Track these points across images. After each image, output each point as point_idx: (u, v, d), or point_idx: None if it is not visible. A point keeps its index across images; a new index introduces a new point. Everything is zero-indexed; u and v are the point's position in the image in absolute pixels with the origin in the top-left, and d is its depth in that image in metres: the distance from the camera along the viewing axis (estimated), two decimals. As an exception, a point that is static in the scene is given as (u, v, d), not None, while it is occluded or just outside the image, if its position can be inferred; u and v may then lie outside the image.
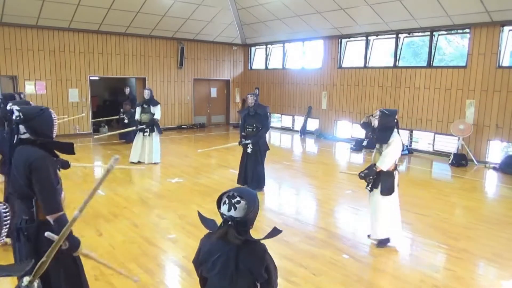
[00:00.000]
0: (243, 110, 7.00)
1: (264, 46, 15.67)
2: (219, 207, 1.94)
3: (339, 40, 12.62)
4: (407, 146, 10.82)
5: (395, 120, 4.41)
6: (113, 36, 13.03)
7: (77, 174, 7.80)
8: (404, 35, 11.20)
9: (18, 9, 10.56)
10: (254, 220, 1.96)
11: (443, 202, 6.37)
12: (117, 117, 11.72)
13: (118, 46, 13.19)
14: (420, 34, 11.09)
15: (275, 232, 1.96)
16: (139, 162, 8.62)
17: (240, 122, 7.00)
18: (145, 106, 8.60)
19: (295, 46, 14.52)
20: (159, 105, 8.72)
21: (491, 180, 8.31)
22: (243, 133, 6.71)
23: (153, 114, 8.56)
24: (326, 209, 6.02)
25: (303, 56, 14.28)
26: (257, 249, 1.98)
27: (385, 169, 4.34)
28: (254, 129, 6.56)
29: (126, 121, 11.24)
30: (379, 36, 11.77)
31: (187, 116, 15.14)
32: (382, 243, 4.53)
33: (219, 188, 6.81)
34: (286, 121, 15.23)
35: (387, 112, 4.41)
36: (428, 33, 10.43)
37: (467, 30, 9.77)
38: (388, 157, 4.32)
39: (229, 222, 1.89)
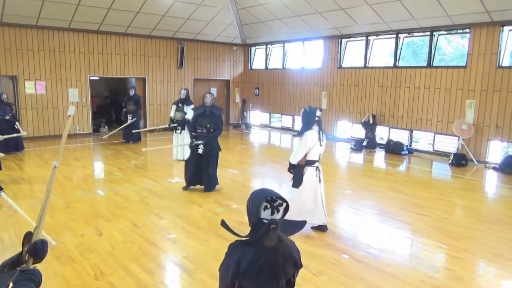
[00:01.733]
0: (197, 108, 6.60)
1: (264, 46, 15.68)
2: (259, 213, 1.90)
3: (339, 40, 12.62)
4: (407, 146, 10.82)
5: (316, 118, 4.62)
6: (113, 36, 13.03)
7: (77, 174, 7.81)
8: (404, 35, 11.20)
9: (18, 9, 10.56)
10: None
11: (443, 202, 6.37)
12: (128, 121, 11.25)
13: (118, 46, 13.19)
14: (420, 34, 11.09)
15: (301, 225, 2.05)
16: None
17: (191, 120, 6.62)
18: (180, 105, 8.86)
19: (295, 46, 14.52)
20: (192, 105, 8.83)
21: (491, 180, 8.31)
22: (193, 133, 6.50)
23: (186, 113, 8.74)
24: (326, 209, 6.01)
25: (303, 56, 14.28)
26: (290, 241, 2.01)
27: (293, 162, 4.66)
28: (206, 130, 6.39)
29: (130, 121, 11.26)
30: (379, 36, 11.76)
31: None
32: (316, 227, 4.92)
33: (219, 188, 6.81)
34: (286, 121, 15.23)
35: (307, 110, 4.70)
36: (428, 33, 10.43)
37: (467, 30, 9.77)
38: (295, 151, 4.64)
39: (272, 225, 1.88)
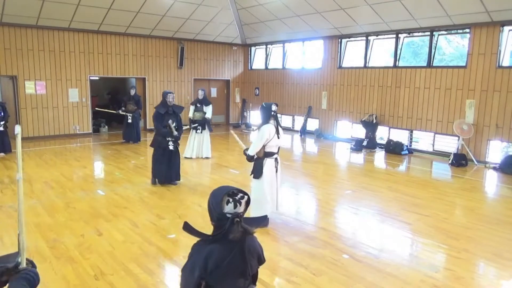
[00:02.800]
0: (160, 107, 6.81)
1: (264, 46, 15.67)
2: (222, 208, 1.90)
3: (339, 40, 12.62)
4: (407, 146, 10.82)
5: (272, 113, 4.86)
6: (113, 36, 13.03)
7: (77, 174, 7.81)
8: (404, 35, 11.20)
9: (18, 9, 10.56)
10: None
11: (443, 202, 6.37)
12: (120, 111, 11.45)
13: (118, 46, 13.19)
14: (420, 34, 11.09)
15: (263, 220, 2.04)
16: (192, 158, 9.24)
17: (156, 121, 6.82)
18: (198, 105, 9.13)
19: (295, 46, 14.52)
20: (211, 105, 9.21)
21: (491, 180, 8.30)
22: (163, 130, 6.74)
23: (205, 113, 9.06)
24: (326, 209, 6.02)
25: (303, 56, 14.28)
26: (254, 236, 2.02)
27: (251, 154, 4.90)
28: (171, 127, 6.74)
29: (129, 120, 11.28)
30: (379, 36, 11.76)
31: (187, 116, 15.11)
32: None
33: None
34: (286, 121, 15.22)
35: (264, 106, 4.94)
36: (428, 33, 10.43)
37: (467, 30, 9.76)
38: (253, 143, 4.87)
39: (236, 219, 1.88)
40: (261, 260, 2.06)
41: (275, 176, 5.03)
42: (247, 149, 5.03)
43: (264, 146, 4.86)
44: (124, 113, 11.28)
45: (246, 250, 1.92)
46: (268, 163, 4.93)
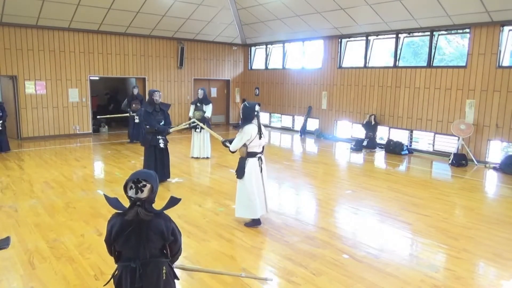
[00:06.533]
0: (147, 106, 6.95)
1: (264, 46, 15.68)
2: (126, 192, 2.24)
3: (339, 40, 12.62)
4: (407, 146, 10.82)
5: (255, 112, 4.85)
6: (113, 36, 13.03)
7: (77, 174, 7.81)
8: (404, 35, 11.20)
9: (18, 9, 10.56)
10: (156, 195, 2.33)
11: (443, 202, 6.37)
12: (127, 114, 11.52)
13: (118, 46, 13.20)
14: (420, 34, 11.09)
15: (174, 201, 2.38)
16: (199, 158, 9.35)
17: (144, 117, 7.01)
18: (198, 104, 9.20)
19: (295, 46, 14.52)
20: (210, 104, 9.25)
21: (491, 180, 8.30)
22: (154, 129, 6.85)
23: (205, 112, 9.10)
24: (326, 209, 6.02)
25: (303, 56, 14.28)
26: (163, 218, 2.35)
27: (231, 149, 4.95)
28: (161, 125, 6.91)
29: (136, 120, 11.27)
30: (379, 36, 11.76)
31: (187, 116, 15.11)
32: (249, 224, 5.10)
33: (219, 188, 6.82)
34: (286, 121, 15.23)
35: (247, 105, 4.92)
36: (428, 33, 10.43)
37: (467, 30, 9.76)
38: (235, 140, 4.91)
39: (137, 203, 2.22)
40: (164, 237, 2.32)
41: (261, 176, 5.01)
42: (225, 140, 5.13)
43: (246, 146, 4.85)
44: (133, 114, 11.25)
45: (145, 227, 2.25)
46: (251, 163, 4.91)
